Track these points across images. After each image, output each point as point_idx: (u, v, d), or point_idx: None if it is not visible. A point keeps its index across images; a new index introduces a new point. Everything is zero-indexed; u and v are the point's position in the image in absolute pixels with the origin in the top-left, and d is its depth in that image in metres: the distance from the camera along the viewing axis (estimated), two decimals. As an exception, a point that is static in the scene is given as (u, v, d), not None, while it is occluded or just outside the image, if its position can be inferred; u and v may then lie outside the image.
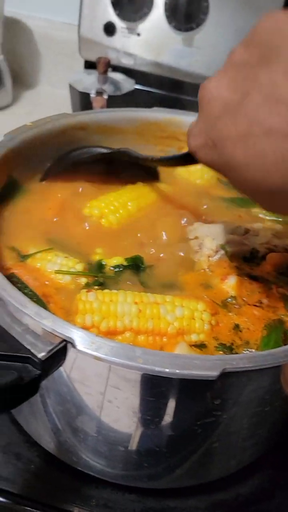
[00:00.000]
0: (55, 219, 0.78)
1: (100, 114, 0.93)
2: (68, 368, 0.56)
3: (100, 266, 0.68)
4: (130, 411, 0.58)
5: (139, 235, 0.76)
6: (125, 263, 0.69)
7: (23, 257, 0.69)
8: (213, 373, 0.48)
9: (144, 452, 0.64)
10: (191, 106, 1.40)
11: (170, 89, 1.43)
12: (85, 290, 0.63)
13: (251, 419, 0.63)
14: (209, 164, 0.53)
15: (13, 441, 0.77)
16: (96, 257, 0.71)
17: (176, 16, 1.32)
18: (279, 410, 0.65)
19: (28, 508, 0.71)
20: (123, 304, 0.60)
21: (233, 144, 0.47)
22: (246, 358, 0.51)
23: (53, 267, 0.67)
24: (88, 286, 0.65)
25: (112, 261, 0.69)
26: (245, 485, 0.76)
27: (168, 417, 0.58)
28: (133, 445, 0.62)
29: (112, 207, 0.79)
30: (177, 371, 0.48)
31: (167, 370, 0.48)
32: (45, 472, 0.75)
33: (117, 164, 0.87)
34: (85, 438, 0.65)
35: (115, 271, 0.68)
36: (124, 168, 0.87)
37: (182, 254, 0.73)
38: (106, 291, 0.63)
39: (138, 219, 0.80)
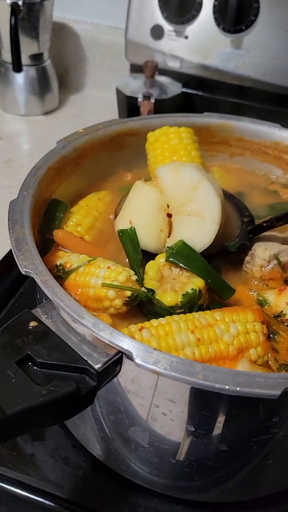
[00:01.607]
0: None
1: (151, 120, 0.92)
2: (123, 379, 0.56)
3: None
4: (184, 424, 0.57)
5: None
6: (179, 303, 0.65)
7: (66, 273, 0.68)
8: (276, 392, 0.47)
9: (196, 466, 0.63)
10: (239, 108, 1.38)
11: (217, 92, 1.41)
12: (136, 328, 0.60)
13: (308, 437, 0.61)
14: None
15: (61, 445, 0.78)
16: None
17: (225, 18, 1.30)
18: None
19: (76, 514, 0.72)
20: (180, 334, 0.58)
21: None
22: (308, 377, 0.49)
23: (97, 281, 0.65)
24: (131, 302, 0.64)
25: (166, 297, 0.65)
26: (295, 502, 0.73)
27: (223, 433, 0.57)
28: (185, 458, 0.62)
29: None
30: (238, 388, 0.47)
31: (227, 387, 0.47)
32: (93, 478, 0.75)
33: None
34: (136, 449, 0.64)
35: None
36: None
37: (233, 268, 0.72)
38: (154, 322, 0.60)
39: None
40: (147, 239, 0.72)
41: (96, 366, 0.52)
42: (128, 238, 0.73)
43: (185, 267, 0.68)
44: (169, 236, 0.72)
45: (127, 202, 0.75)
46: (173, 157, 0.84)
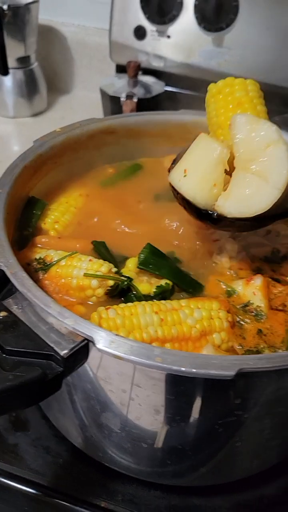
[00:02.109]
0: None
1: (128, 118, 0.95)
2: (91, 366, 0.59)
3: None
4: (151, 408, 0.59)
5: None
6: (152, 293, 0.69)
7: (47, 266, 0.71)
8: (230, 373, 0.49)
9: (167, 450, 0.65)
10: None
11: (200, 90, 1.42)
12: (103, 308, 0.64)
13: (274, 419, 0.63)
14: None
15: (43, 435, 0.80)
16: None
17: (206, 17, 1.32)
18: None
19: (56, 501, 0.74)
20: (144, 315, 0.61)
21: None
22: (264, 359, 0.52)
23: (80, 272, 0.68)
24: (112, 291, 0.67)
25: (141, 286, 0.69)
26: (270, 486, 0.75)
27: (189, 416, 0.59)
28: (156, 442, 0.64)
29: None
30: (194, 370, 0.49)
31: (183, 369, 0.49)
32: (73, 466, 0.77)
33: None
34: (109, 434, 0.66)
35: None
36: None
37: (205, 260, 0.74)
38: (122, 305, 0.64)
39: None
40: (197, 191, 0.68)
41: (63, 353, 0.54)
42: (100, 248, 0.76)
43: (154, 272, 0.71)
44: (224, 191, 0.68)
45: (187, 152, 0.72)
46: (236, 110, 0.77)
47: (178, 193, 0.70)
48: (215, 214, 0.67)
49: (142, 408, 0.60)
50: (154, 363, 0.50)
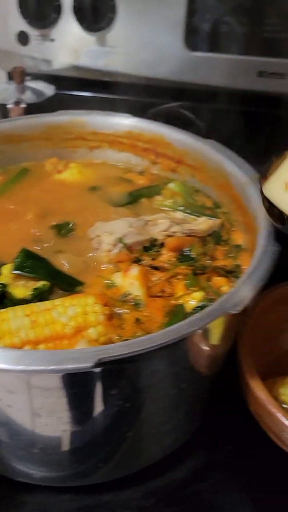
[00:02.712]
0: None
1: (2, 124, 0.93)
2: None
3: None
4: (31, 412, 0.58)
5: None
6: (29, 296, 0.68)
7: None
8: (87, 364, 0.49)
9: (60, 452, 0.64)
10: (113, 104, 1.41)
11: (91, 90, 1.43)
12: None
13: (159, 403, 0.64)
14: None
15: None
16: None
17: (86, 18, 1.33)
18: (189, 391, 0.66)
19: None
20: (15, 319, 0.61)
21: None
22: (124, 345, 0.52)
23: None
24: None
25: (17, 291, 0.68)
26: (177, 469, 0.76)
27: (70, 414, 0.59)
28: (46, 446, 0.63)
29: None
30: (52, 367, 0.49)
31: (42, 367, 0.49)
32: (-22, 484, 0.75)
33: None
34: (0, 445, 0.65)
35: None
36: None
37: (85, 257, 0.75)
38: None
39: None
40: None
41: None
42: None
43: (30, 275, 0.70)
44: None
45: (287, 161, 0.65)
46: None
47: (273, 206, 0.63)
48: None
49: (23, 413, 0.59)
50: (10, 366, 0.49)
